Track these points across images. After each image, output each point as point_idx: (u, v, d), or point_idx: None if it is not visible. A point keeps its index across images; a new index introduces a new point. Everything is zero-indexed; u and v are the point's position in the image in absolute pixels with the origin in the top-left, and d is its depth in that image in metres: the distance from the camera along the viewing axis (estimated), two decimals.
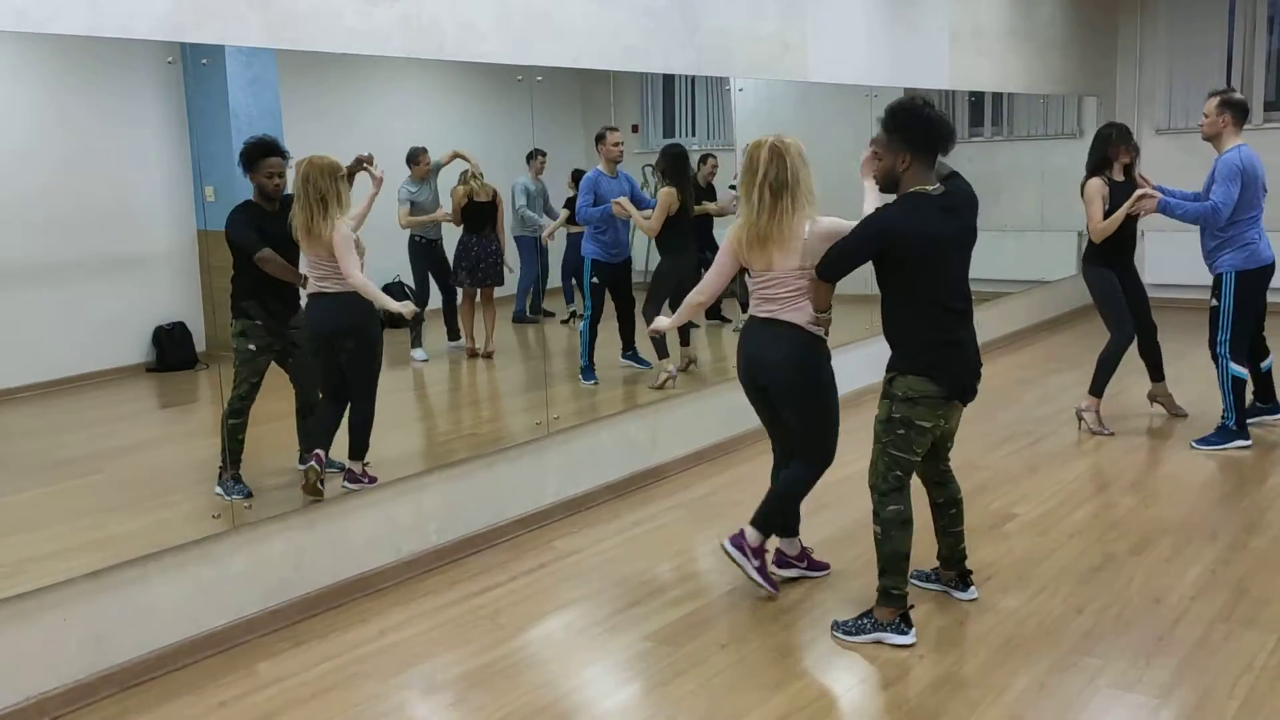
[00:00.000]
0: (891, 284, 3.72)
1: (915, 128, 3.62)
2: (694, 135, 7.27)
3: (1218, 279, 5.83)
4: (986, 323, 9.08)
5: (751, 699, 3.47)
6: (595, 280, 6.28)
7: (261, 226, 4.37)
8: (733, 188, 6.58)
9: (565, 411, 5.47)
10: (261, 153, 4.35)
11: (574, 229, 6.82)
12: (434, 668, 3.80)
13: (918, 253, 3.61)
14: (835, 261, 3.75)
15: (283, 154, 4.40)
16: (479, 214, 6.11)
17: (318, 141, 5.72)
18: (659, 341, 6.21)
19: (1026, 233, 10.09)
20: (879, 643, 3.76)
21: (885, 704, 3.46)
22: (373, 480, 4.52)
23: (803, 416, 4.03)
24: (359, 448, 4.56)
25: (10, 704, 3.38)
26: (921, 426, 3.70)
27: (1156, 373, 6.60)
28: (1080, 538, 4.72)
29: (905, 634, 3.76)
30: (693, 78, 6.75)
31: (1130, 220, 6.14)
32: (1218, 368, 5.90)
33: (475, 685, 3.65)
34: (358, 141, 6.02)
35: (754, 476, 4.51)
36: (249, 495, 4.31)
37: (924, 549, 4.13)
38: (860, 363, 6.17)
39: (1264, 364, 6.15)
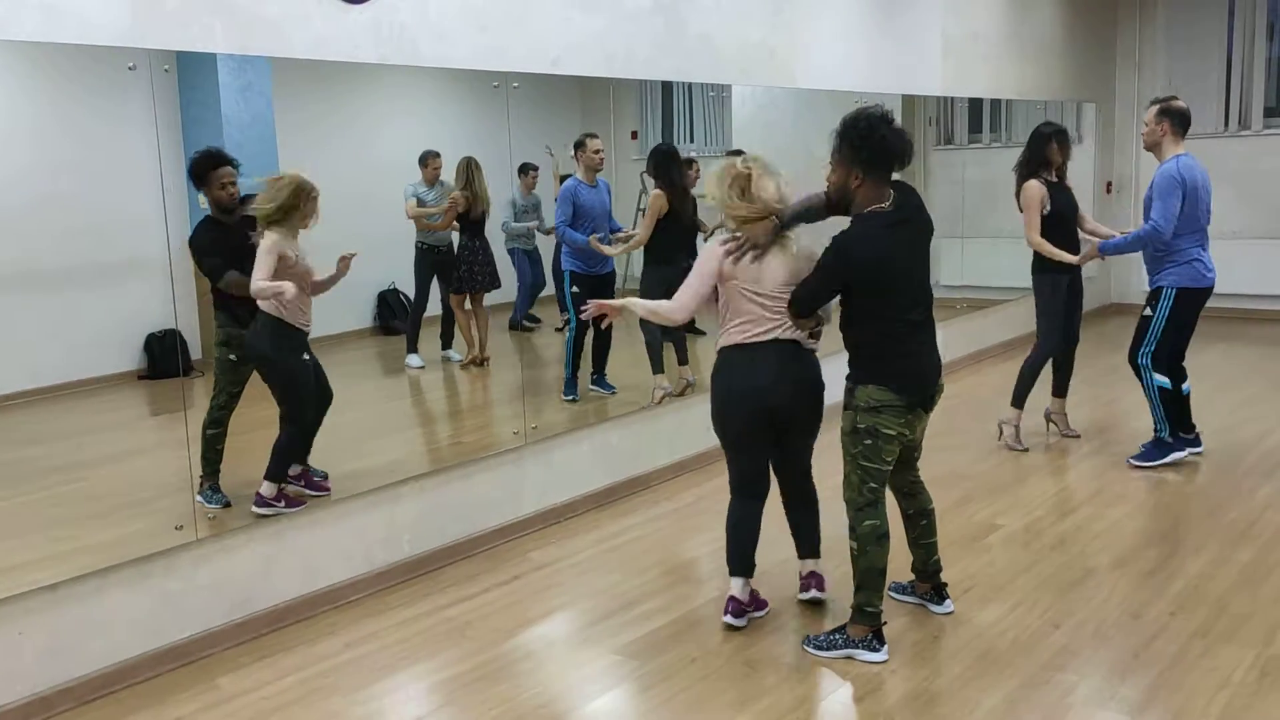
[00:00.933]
0: (849, 301, 3.67)
1: (869, 145, 3.50)
2: (692, 141, 7.22)
3: (1156, 291, 5.63)
4: (982, 330, 9.09)
5: (718, 715, 3.41)
6: (575, 290, 6.13)
7: (225, 244, 4.31)
8: None
9: (545, 421, 5.42)
10: (212, 164, 4.30)
11: None
12: (400, 681, 3.74)
13: (873, 277, 3.56)
14: (805, 301, 3.71)
15: (232, 162, 4.34)
16: (476, 221, 6.07)
17: (311, 148, 5.72)
18: (653, 356, 6.13)
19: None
20: (850, 659, 3.69)
21: (855, 719, 3.40)
22: (293, 504, 4.38)
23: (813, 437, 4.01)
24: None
25: None
26: (887, 434, 3.62)
27: (1062, 388, 6.42)
28: (1062, 550, 4.64)
29: (877, 651, 3.68)
30: (689, 84, 6.71)
31: (1075, 226, 6.03)
32: (1141, 380, 5.74)
33: (441, 699, 3.60)
34: (350, 148, 6.02)
35: None
36: (228, 504, 4.28)
37: (901, 561, 4.05)
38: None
39: (1184, 386, 5.86)
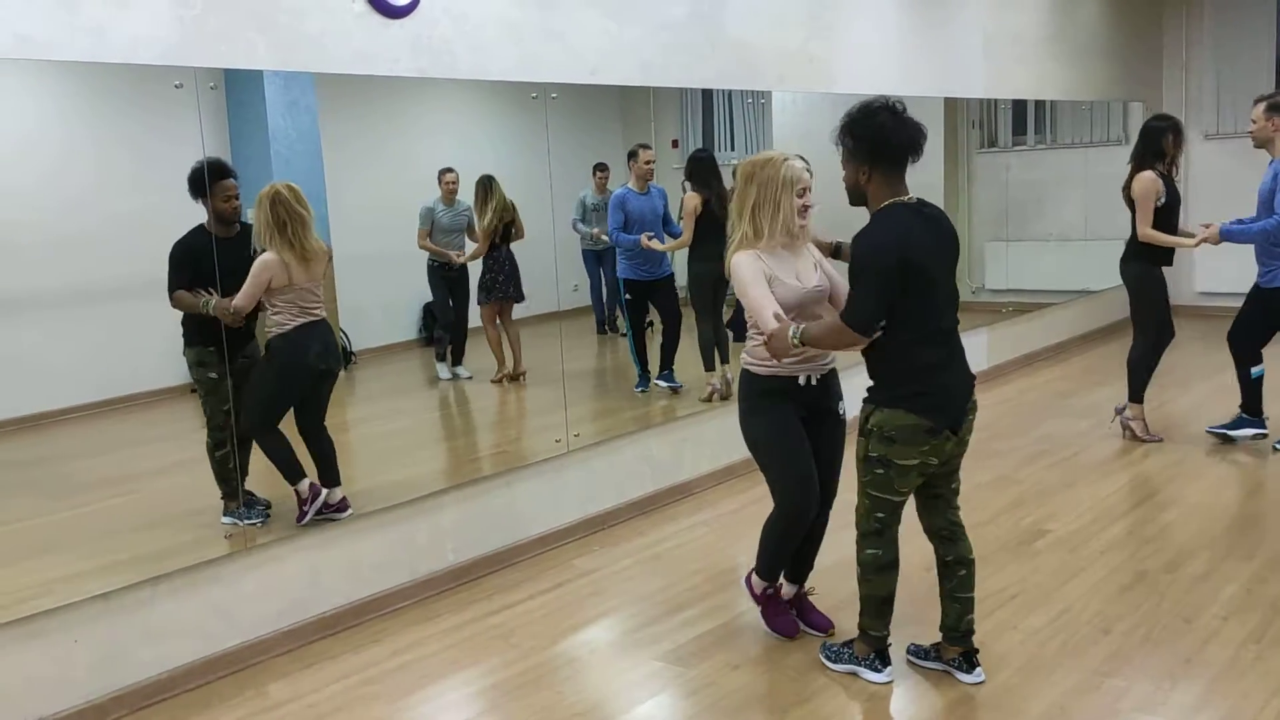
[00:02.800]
0: None
1: (870, 136, 3.28)
2: (733, 149, 7.24)
3: (1274, 292, 5.69)
4: (1028, 334, 8.98)
5: None
6: (629, 297, 6.36)
7: (207, 259, 4.14)
8: None
9: (587, 430, 5.44)
10: (218, 174, 4.19)
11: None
12: (444, 688, 3.77)
13: (919, 264, 3.24)
14: (861, 315, 3.29)
15: (235, 174, 4.26)
16: (503, 231, 6.14)
17: (355, 162, 5.81)
18: (706, 354, 6.26)
19: (1070, 242, 9.88)
20: (854, 675, 3.62)
21: None
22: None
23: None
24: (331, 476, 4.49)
25: None
26: (902, 465, 3.33)
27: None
28: (1112, 554, 4.57)
29: (879, 671, 3.57)
30: (729, 92, 6.75)
31: (1178, 219, 6.00)
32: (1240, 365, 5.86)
33: (485, 705, 3.62)
34: (393, 161, 6.10)
35: None
36: (268, 514, 4.30)
37: (922, 608, 3.74)
38: None
39: (1254, 370, 5.92)
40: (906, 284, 3.23)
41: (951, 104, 8.38)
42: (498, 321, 6.32)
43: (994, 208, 9.38)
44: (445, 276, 6.18)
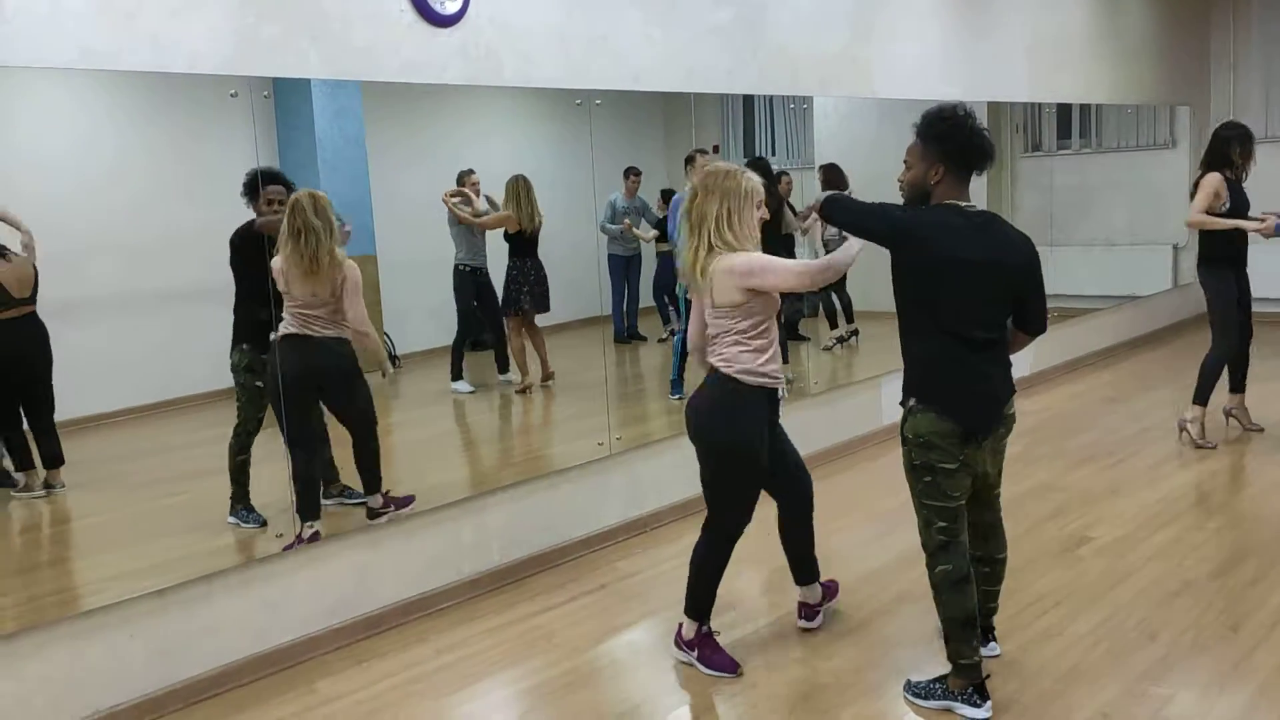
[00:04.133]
0: (905, 303, 3.36)
1: (956, 138, 3.28)
2: (774, 154, 7.27)
3: None
4: (1074, 339, 8.91)
5: None
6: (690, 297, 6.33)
7: (266, 252, 4.28)
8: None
9: (629, 434, 5.48)
10: (264, 181, 4.27)
11: (662, 247, 6.92)
12: (489, 687, 3.83)
13: (934, 265, 3.24)
14: (840, 215, 3.43)
15: (285, 182, 4.34)
16: (528, 241, 6.16)
17: (400, 168, 5.89)
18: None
19: (1117, 246, 9.80)
20: (949, 711, 3.41)
21: None
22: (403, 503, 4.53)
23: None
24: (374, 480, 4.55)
25: (80, 717, 3.50)
26: (946, 469, 3.29)
27: (1239, 384, 6.35)
28: (1159, 561, 4.54)
29: (979, 707, 3.35)
30: (771, 97, 6.78)
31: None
32: None
33: (528, 705, 3.67)
34: (438, 167, 6.18)
35: (827, 491, 4.43)
36: (264, 524, 4.33)
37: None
38: None
39: None
40: (924, 275, 3.27)
41: (995, 108, 8.34)
42: (521, 330, 6.36)
43: (1038, 213, 9.31)
44: (476, 283, 6.20)
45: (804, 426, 5.74)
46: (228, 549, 4.12)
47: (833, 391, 6.72)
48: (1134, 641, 3.81)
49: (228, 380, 5.18)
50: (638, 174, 6.83)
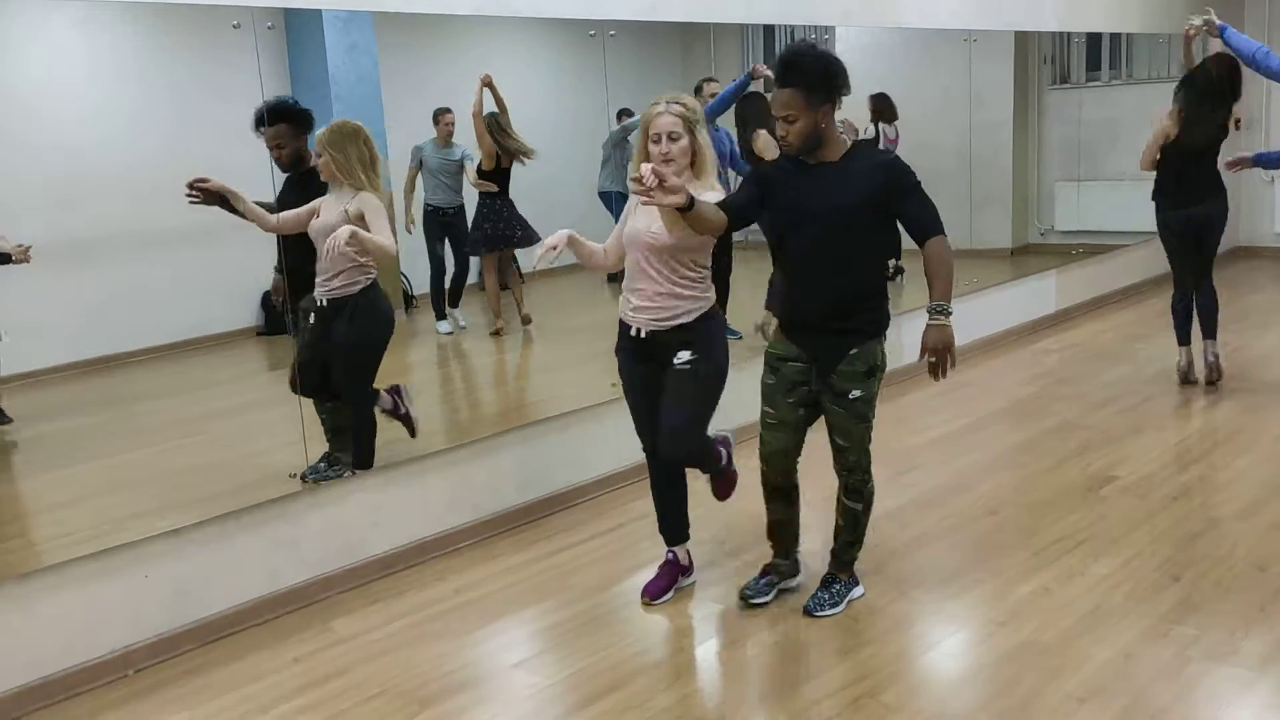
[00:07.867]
0: (884, 234, 3.50)
1: (841, 73, 3.29)
2: None
3: None
4: (1099, 276, 8.75)
5: (818, 664, 3.39)
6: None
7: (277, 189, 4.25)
8: None
9: None
10: (263, 120, 4.14)
11: None
12: (506, 626, 3.82)
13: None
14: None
15: (292, 119, 4.24)
16: (504, 177, 6.01)
17: (413, 104, 5.79)
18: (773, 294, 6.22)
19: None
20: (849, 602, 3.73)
21: (958, 671, 3.34)
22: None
23: None
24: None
25: (96, 656, 3.51)
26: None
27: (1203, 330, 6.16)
28: (1183, 501, 4.47)
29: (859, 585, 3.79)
30: (792, 28, 6.59)
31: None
32: None
33: (545, 644, 3.66)
34: (452, 103, 6.07)
35: None
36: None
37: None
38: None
39: None
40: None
41: (1022, 38, 8.11)
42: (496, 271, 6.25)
43: (1065, 146, 9.10)
44: (442, 222, 6.08)
45: None
46: (243, 489, 4.10)
47: None
48: (1158, 581, 3.75)
49: (243, 320, 5.16)
50: (630, 114, 6.61)
